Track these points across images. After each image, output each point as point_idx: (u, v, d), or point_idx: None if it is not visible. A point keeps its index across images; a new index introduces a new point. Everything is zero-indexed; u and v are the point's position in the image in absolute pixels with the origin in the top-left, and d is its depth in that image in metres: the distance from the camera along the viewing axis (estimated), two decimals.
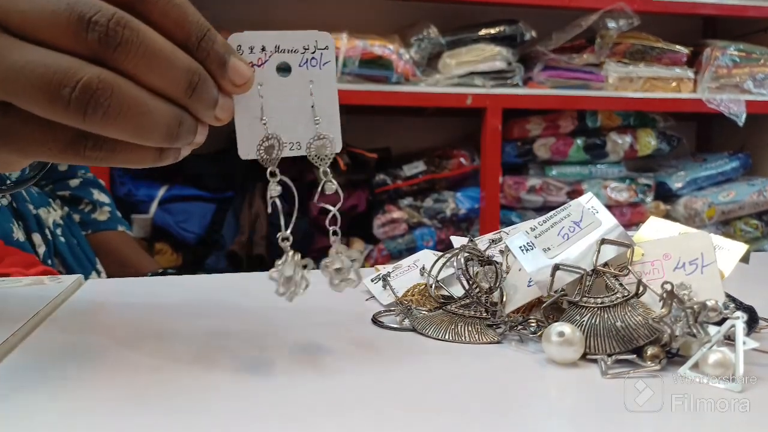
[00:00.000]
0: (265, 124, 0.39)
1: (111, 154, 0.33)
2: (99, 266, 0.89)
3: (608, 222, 0.42)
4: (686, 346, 0.37)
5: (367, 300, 0.52)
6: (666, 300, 0.36)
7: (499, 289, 0.44)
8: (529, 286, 0.43)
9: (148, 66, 0.31)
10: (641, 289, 0.39)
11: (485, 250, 0.48)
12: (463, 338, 0.41)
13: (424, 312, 0.45)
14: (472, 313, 0.43)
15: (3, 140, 0.33)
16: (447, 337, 0.41)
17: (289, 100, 0.39)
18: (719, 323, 0.36)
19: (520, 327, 0.41)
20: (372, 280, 0.53)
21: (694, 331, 0.35)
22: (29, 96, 0.30)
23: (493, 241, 0.50)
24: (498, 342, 0.41)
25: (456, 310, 0.44)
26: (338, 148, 0.40)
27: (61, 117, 0.31)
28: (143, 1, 0.32)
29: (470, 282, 0.45)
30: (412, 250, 1.80)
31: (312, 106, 0.39)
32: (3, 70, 0.30)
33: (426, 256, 0.55)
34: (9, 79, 0.30)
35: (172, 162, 0.37)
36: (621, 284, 0.40)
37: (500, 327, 0.42)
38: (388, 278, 0.52)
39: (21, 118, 0.32)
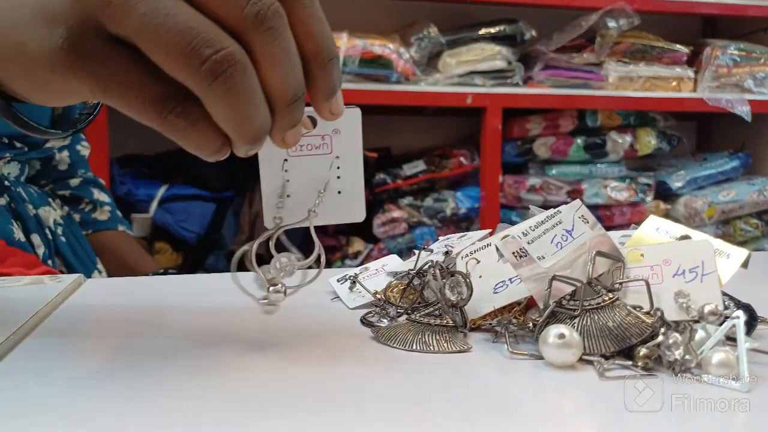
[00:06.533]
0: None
1: (189, 126, 0.33)
2: (100, 266, 0.89)
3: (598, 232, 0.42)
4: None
5: (332, 300, 0.52)
6: (658, 327, 0.36)
7: (464, 299, 0.43)
8: (495, 293, 0.43)
9: (278, 62, 0.32)
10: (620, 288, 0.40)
11: (443, 261, 0.48)
12: (431, 348, 0.40)
13: (385, 323, 0.45)
14: (439, 321, 0.42)
15: (97, 72, 0.32)
16: (413, 347, 0.40)
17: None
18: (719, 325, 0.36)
19: (514, 328, 0.41)
20: (338, 281, 0.53)
21: (691, 351, 0.35)
22: (165, 45, 0.30)
23: (447, 253, 0.50)
24: (467, 350, 0.40)
25: (421, 319, 0.42)
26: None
27: (185, 74, 0.31)
28: (294, 3, 0.33)
29: (435, 292, 0.44)
30: (412, 249, 1.80)
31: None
32: (150, 14, 0.30)
33: (394, 261, 0.56)
34: (151, 24, 0.30)
35: (215, 160, 0.36)
36: (604, 287, 0.40)
37: (466, 335, 0.42)
38: (357, 280, 0.52)
39: (130, 59, 0.32)
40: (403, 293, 0.48)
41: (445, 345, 0.40)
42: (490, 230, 0.51)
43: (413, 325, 0.42)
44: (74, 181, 0.93)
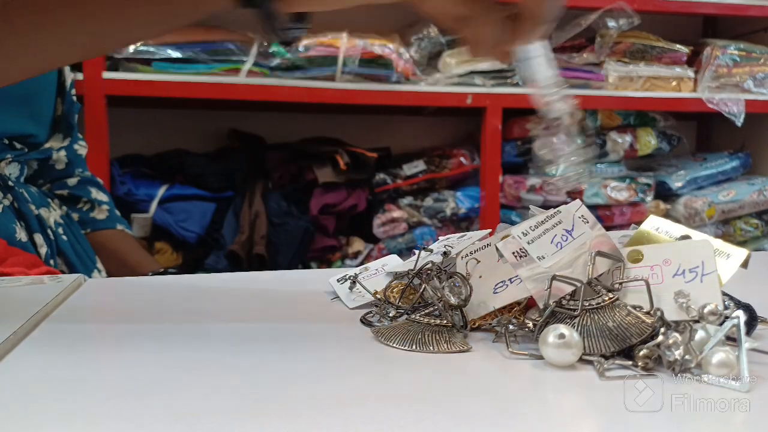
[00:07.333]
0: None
1: None
2: (99, 265, 0.89)
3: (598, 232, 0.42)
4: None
5: (332, 300, 0.52)
6: (658, 327, 0.36)
7: (464, 300, 0.43)
8: (495, 293, 0.43)
9: None
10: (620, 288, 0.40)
11: (442, 262, 0.48)
12: (431, 348, 0.40)
13: (385, 323, 0.45)
14: (439, 321, 0.42)
15: None
16: (413, 347, 0.40)
17: None
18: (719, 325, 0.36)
19: (514, 328, 0.41)
20: (338, 281, 0.53)
21: (691, 351, 0.35)
22: None
23: (445, 254, 0.50)
24: (467, 350, 0.40)
25: (421, 319, 0.42)
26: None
27: None
28: None
29: (435, 293, 0.44)
30: (412, 249, 1.80)
31: None
32: None
33: (394, 261, 0.56)
34: None
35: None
36: (604, 287, 0.40)
37: (466, 335, 0.42)
38: (357, 280, 0.52)
39: None
40: (402, 293, 0.48)
41: (445, 345, 0.40)
42: (489, 230, 0.51)
43: (413, 325, 0.42)
44: (72, 181, 0.92)
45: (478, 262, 0.45)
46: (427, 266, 0.46)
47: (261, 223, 1.69)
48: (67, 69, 0.84)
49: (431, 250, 0.53)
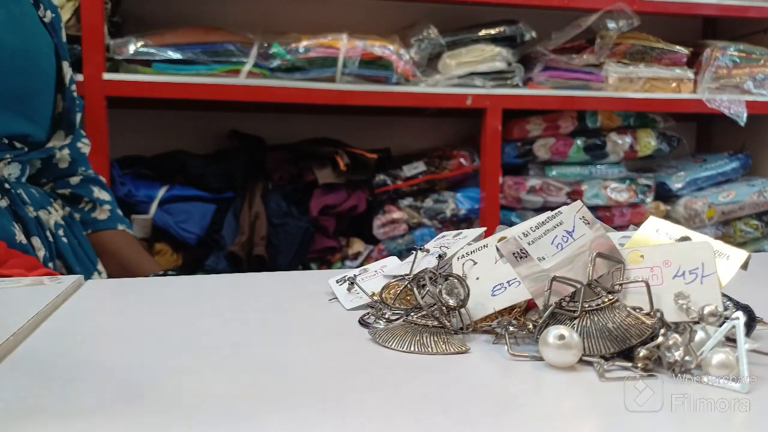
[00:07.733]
0: None
1: None
2: (100, 266, 0.89)
3: (598, 234, 0.42)
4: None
5: (330, 300, 0.52)
6: (657, 329, 0.36)
7: (462, 301, 0.43)
8: (493, 296, 0.43)
9: None
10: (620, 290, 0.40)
11: (440, 264, 0.48)
12: (429, 349, 0.40)
13: (382, 324, 0.45)
14: (436, 322, 0.42)
15: None
16: (412, 348, 0.40)
17: None
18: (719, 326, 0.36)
19: (514, 329, 0.41)
20: (337, 282, 0.53)
21: (690, 352, 0.35)
22: None
23: (440, 257, 0.50)
24: (465, 351, 0.40)
25: (418, 320, 0.42)
26: None
27: None
28: None
29: (433, 296, 0.44)
30: (412, 250, 1.79)
31: None
32: None
33: (393, 263, 0.56)
34: None
35: None
36: (604, 289, 0.40)
37: (464, 336, 0.42)
38: (355, 281, 0.52)
39: None
40: (396, 296, 0.48)
41: (443, 346, 0.40)
42: (485, 228, 0.51)
43: (410, 326, 0.42)
44: (74, 179, 0.92)
45: (475, 263, 0.45)
46: (423, 272, 0.47)
47: (261, 224, 1.69)
48: (65, 64, 0.84)
49: (427, 251, 0.53)
